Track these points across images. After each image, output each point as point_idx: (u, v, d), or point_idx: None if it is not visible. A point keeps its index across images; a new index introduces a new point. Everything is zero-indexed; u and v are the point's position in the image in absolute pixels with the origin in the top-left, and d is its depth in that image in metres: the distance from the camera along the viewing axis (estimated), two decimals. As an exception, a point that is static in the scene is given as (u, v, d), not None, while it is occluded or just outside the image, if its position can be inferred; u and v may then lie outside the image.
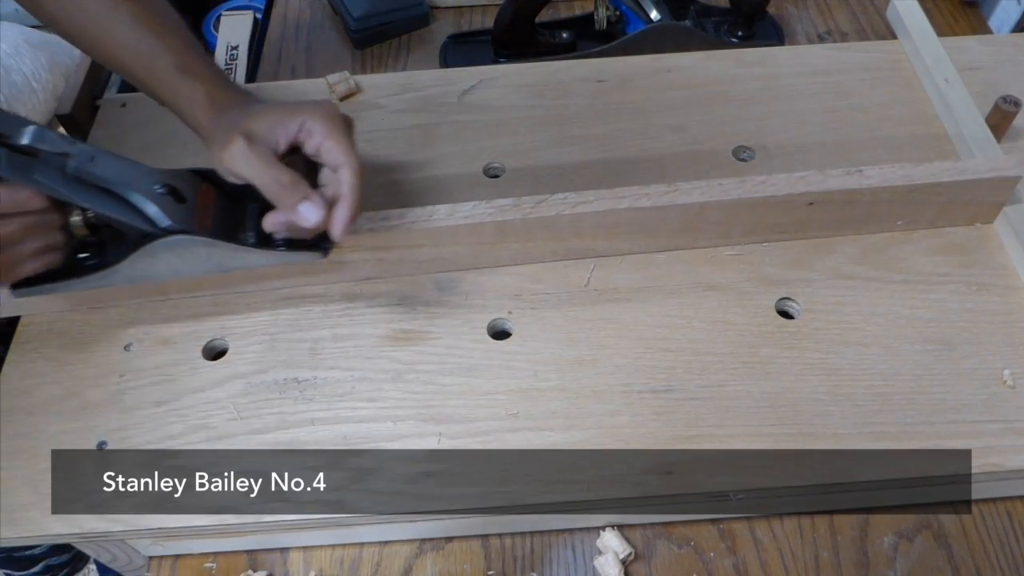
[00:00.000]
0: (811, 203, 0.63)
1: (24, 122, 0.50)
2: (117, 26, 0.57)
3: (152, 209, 0.54)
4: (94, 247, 0.58)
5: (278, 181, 0.53)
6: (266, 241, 0.58)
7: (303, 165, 0.55)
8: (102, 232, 0.57)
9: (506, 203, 0.62)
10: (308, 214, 0.53)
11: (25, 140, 0.50)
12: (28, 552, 0.97)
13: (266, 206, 0.55)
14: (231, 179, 0.55)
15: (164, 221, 0.54)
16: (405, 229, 0.61)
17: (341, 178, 0.54)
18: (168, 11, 0.60)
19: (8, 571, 0.87)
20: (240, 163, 0.53)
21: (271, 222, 0.55)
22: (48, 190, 0.51)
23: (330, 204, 0.54)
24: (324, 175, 0.56)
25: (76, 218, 0.55)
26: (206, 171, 0.58)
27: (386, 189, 0.72)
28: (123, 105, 0.79)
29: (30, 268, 0.54)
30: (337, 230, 0.55)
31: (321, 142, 0.54)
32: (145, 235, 0.55)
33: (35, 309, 0.64)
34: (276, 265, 0.61)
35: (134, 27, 0.57)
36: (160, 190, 0.55)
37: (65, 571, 1.06)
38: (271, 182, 0.53)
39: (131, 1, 0.57)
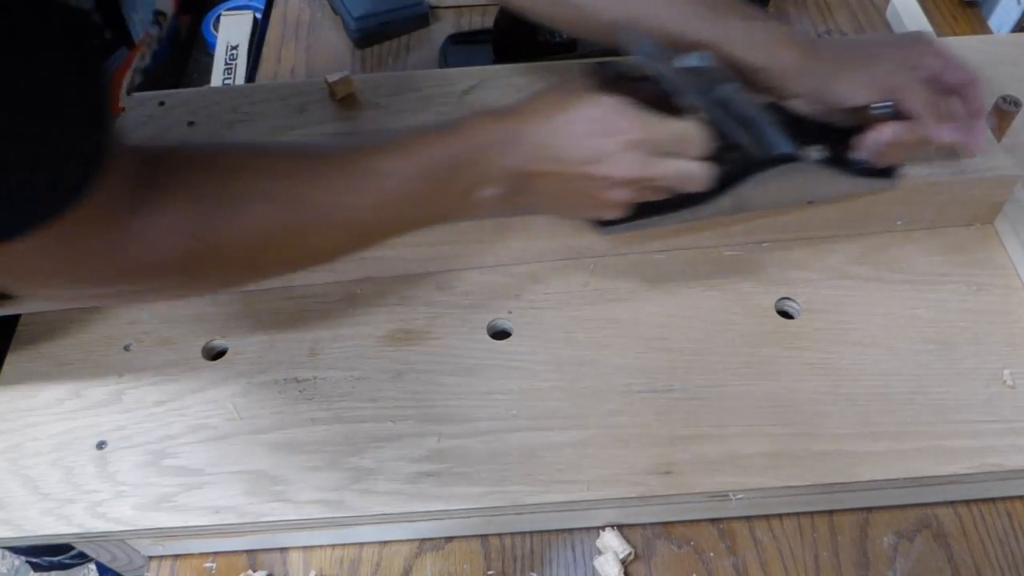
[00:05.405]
0: (811, 202, 0.63)
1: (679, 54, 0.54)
2: None
3: (775, 136, 0.55)
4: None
5: (931, 102, 0.56)
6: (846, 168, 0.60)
7: None
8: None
9: (506, 203, 0.62)
10: (949, 134, 0.57)
11: (689, 63, 0.53)
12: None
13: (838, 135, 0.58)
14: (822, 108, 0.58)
15: (786, 147, 0.55)
16: (405, 229, 0.61)
17: (971, 94, 0.58)
18: None
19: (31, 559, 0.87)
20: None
21: (879, 139, 0.57)
22: (704, 114, 0.53)
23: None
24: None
25: None
26: (778, 104, 0.59)
27: (386, 189, 0.71)
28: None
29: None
30: (981, 143, 0.60)
31: (945, 64, 0.58)
32: (763, 163, 0.56)
33: (33, 307, 0.64)
34: (848, 194, 0.63)
35: None
36: (774, 118, 0.56)
37: None
38: (927, 100, 0.56)
39: None
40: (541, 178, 0.53)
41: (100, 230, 0.43)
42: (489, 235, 0.62)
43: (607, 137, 0.51)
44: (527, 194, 0.54)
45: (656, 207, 0.56)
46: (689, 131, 0.53)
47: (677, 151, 0.53)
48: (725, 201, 0.58)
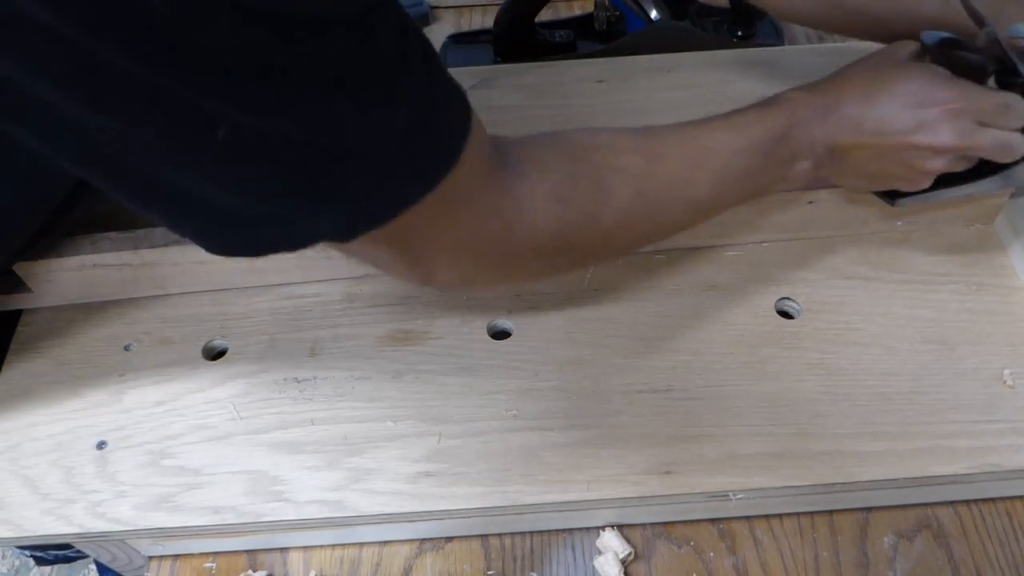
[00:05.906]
0: (811, 202, 0.63)
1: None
2: None
3: None
4: None
5: None
6: None
7: None
8: None
9: (506, 203, 0.62)
10: None
11: (1020, 32, 0.53)
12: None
13: None
14: None
15: None
16: (405, 229, 0.61)
17: None
18: None
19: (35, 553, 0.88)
20: None
21: None
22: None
23: None
24: None
25: None
26: None
27: (386, 189, 0.71)
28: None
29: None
30: None
31: None
32: None
33: (30, 304, 0.64)
34: None
35: None
36: None
37: None
38: None
39: None
40: (856, 150, 0.53)
41: (480, 190, 0.43)
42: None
43: (929, 107, 0.51)
44: (836, 166, 0.54)
45: (955, 178, 0.56)
46: (1010, 102, 0.53)
47: (997, 121, 0.53)
48: (1017, 174, 0.58)
